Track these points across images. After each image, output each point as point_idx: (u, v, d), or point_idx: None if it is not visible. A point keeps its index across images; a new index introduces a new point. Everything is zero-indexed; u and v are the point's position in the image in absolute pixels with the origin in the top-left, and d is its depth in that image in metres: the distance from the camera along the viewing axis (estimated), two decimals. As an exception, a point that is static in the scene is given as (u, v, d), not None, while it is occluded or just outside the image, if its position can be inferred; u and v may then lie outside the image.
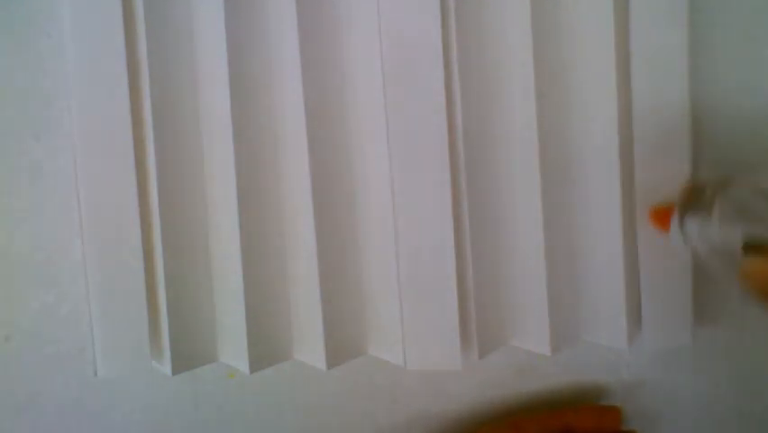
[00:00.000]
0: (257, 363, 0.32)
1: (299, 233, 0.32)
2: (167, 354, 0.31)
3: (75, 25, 0.30)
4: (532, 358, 0.34)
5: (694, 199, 0.28)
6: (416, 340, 0.31)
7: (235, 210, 0.31)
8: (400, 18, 0.30)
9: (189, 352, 0.32)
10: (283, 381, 0.35)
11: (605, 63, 0.31)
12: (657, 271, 0.32)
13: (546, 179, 0.31)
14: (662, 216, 0.30)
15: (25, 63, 0.33)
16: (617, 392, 0.36)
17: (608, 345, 0.33)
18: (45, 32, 0.33)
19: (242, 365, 0.32)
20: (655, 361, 0.35)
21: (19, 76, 0.33)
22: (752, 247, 0.25)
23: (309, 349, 0.32)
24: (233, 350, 0.32)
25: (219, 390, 0.35)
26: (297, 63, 0.30)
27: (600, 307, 0.32)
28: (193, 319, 0.32)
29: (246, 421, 0.36)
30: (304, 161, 0.31)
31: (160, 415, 0.35)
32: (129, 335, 0.31)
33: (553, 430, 0.33)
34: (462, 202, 0.31)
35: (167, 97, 0.31)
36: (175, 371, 0.31)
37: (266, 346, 0.32)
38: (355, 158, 0.32)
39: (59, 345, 0.34)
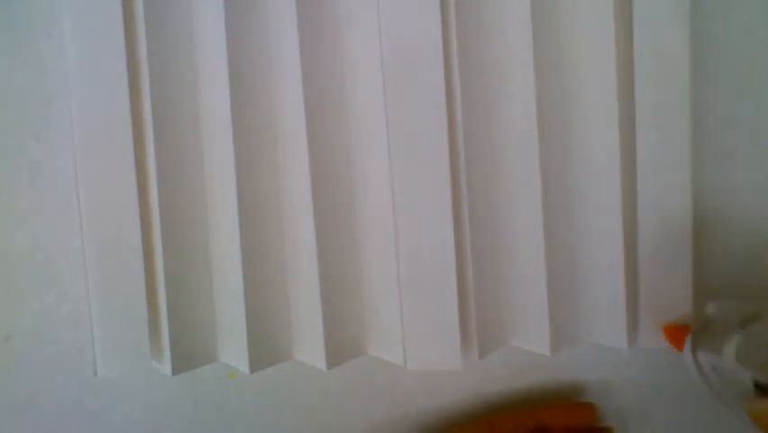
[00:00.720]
0: (257, 363, 0.32)
1: (299, 233, 0.32)
2: (167, 354, 0.31)
3: (75, 25, 0.30)
4: (532, 358, 0.34)
5: (709, 329, 0.28)
6: (416, 340, 0.31)
7: (235, 210, 0.31)
8: (400, 18, 0.30)
9: (189, 352, 0.32)
10: (283, 381, 0.35)
11: (606, 62, 0.31)
12: (657, 272, 0.32)
13: (546, 179, 0.31)
14: (675, 335, 0.30)
15: (25, 63, 0.33)
16: (616, 392, 0.36)
17: (608, 345, 0.33)
18: (45, 32, 0.33)
19: (242, 365, 0.32)
20: (655, 361, 0.35)
21: (19, 76, 0.33)
22: (763, 387, 0.25)
23: (309, 349, 0.32)
24: (233, 350, 0.32)
25: (219, 390, 0.35)
26: (296, 63, 0.30)
27: (600, 307, 0.32)
28: (193, 319, 0.32)
29: (246, 421, 0.36)
30: (304, 161, 0.31)
31: (159, 415, 0.35)
32: (129, 335, 0.31)
33: (526, 427, 0.33)
34: (462, 202, 0.31)
35: (167, 97, 0.31)
36: (175, 371, 0.31)
37: (266, 346, 0.32)
38: (355, 158, 0.32)
39: (59, 345, 0.34)
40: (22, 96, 0.33)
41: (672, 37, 0.31)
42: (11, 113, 0.33)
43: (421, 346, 0.31)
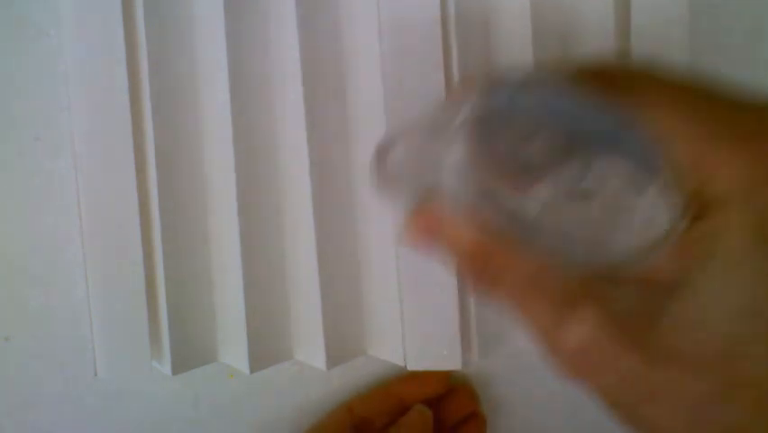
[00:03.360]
0: (257, 363, 0.32)
1: (299, 233, 0.32)
2: (167, 354, 0.31)
3: (74, 25, 0.30)
4: (531, 358, 0.34)
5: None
6: (416, 340, 0.31)
7: (235, 210, 0.31)
8: (400, 16, 0.30)
9: (189, 352, 0.32)
10: (283, 381, 0.35)
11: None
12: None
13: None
14: None
15: (25, 63, 0.33)
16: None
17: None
18: (45, 32, 0.33)
19: (242, 365, 0.32)
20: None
21: (19, 76, 0.33)
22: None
23: (309, 349, 0.32)
24: (233, 350, 0.32)
25: (219, 390, 0.35)
26: (296, 63, 0.30)
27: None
28: (193, 319, 0.32)
29: (246, 421, 0.36)
30: (304, 160, 0.31)
31: (159, 415, 0.35)
32: (129, 335, 0.31)
33: (384, 403, 0.34)
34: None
35: (167, 97, 0.31)
36: (175, 371, 0.31)
37: (266, 346, 0.32)
38: (355, 157, 0.32)
39: (59, 345, 0.34)
40: (22, 96, 0.33)
41: (669, 39, 0.31)
42: (11, 113, 0.33)
43: (421, 346, 0.31)
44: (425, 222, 0.20)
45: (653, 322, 0.17)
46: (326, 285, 0.31)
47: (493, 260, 0.19)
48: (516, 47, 0.31)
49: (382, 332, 0.33)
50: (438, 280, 0.31)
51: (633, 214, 0.17)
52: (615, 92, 0.17)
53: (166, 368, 0.32)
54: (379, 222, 0.32)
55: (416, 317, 0.31)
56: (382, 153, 0.23)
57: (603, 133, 0.17)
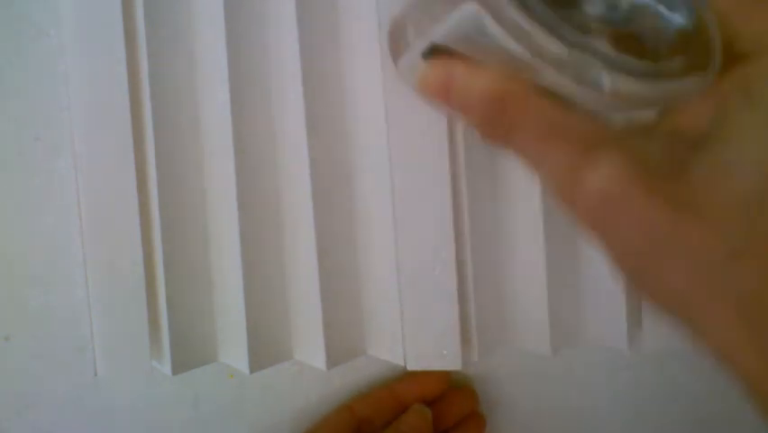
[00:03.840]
0: (257, 363, 0.32)
1: (299, 233, 0.32)
2: (167, 354, 0.31)
3: (74, 25, 0.30)
4: (532, 358, 0.34)
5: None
6: (416, 340, 0.31)
7: (235, 210, 0.31)
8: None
9: (189, 352, 0.32)
10: (283, 381, 0.35)
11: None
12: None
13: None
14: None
15: (25, 63, 0.33)
16: (615, 391, 0.36)
17: (608, 346, 0.33)
18: (45, 32, 0.33)
19: (242, 365, 0.32)
20: (656, 361, 0.35)
21: (19, 76, 0.33)
22: (435, 52, 0.20)
23: (309, 349, 0.32)
24: (233, 350, 0.32)
25: (219, 390, 0.35)
26: (296, 63, 0.30)
27: (600, 307, 0.32)
28: (193, 319, 0.32)
29: (246, 421, 0.36)
30: (304, 160, 0.31)
31: (159, 415, 0.35)
32: (129, 335, 0.31)
33: (384, 403, 0.34)
34: (462, 202, 0.31)
35: (167, 96, 0.31)
36: (175, 371, 0.31)
37: (266, 346, 0.32)
38: (356, 157, 0.32)
39: (59, 345, 0.34)
40: (22, 96, 0.33)
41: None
42: (11, 113, 0.33)
43: (421, 346, 0.31)
44: (438, 73, 0.20)
45: (680, 172, 0.16)
46: (326, 285, 0.31)
47: (509, 108, 0.18)
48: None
49: (382, 332, 0.33)
50: (438, 280, 0.31)
51: (667, 55, 0.17)
52: None
53: (166, 368, 0.32)
54: (380, 222, 0.32)
55: (415, 317, 0.31)
56: (397, 29, 0.22)
57: None
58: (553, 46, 0.17)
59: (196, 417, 0.35)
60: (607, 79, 0.17)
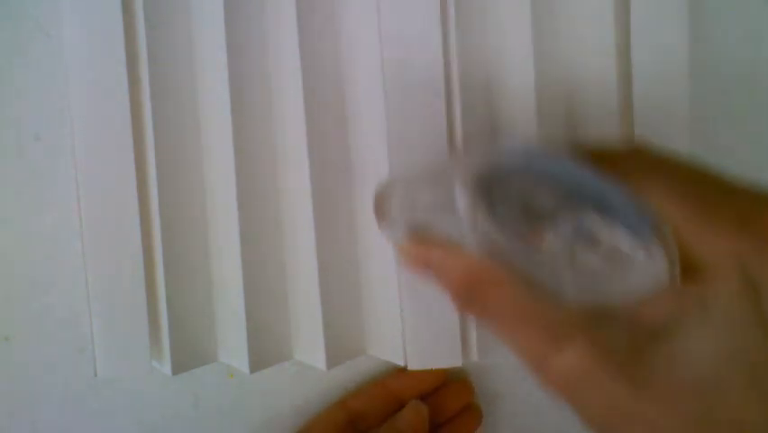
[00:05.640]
0: (257, 363, 0.32)
1: (299, 233, 0.32)
2: (167, 354, 0.31)
3: (75, 25, 0.30)
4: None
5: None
6: (416, 340, 0.31)
7: (235, 210, 0.31)
8: (400, 18, 0.30)
9: (189, 352, 0.32)
10: (283, 381, 0.35)
11: (606, 62, 0.31)
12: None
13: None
14: None
15: (25, 63, 0.33)
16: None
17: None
18: (45, 32, 0.33)
19: (242, 365, 0.32)
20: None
21: (19, 76, 0.33)
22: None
23: (309, 349, 0.32)
24: (233, 350, 0.32)
25: (219, 390, 0.35)
26: (296, 63, 0.30)
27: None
28: (193, 319, 0.32)
29: (246, 421, 0.36)
30: (304, 160, 0.31)
31: (159, 415, 0.35)
32: (129, 335, 0.31)
33: (378, 398, 0.34)
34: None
35: (167, 97, 0.31)
36: (175, 371, 0.31)
37: (266, 346, 0.32)
38: (355, 157, 0.32)
39: (59, 345, 0.34)
40: (22, 96, 0.33)
41: (670, 34, 0.31)
42: (11, 113, 0.33)
43: (421, 346, 0.31)
44: (419, 251, 0.21)
45: (641, 358, 0.18)
46: (326, 285, 0.31)
47: (482, 293, 0.20)
48: (515, 47, 0.31)
49: (382, 332, 0.33)
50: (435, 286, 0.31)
51: (627, 267, 0.19)
52: (613, 170, 0.19)
53: (166, 368, 0.32)
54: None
55: (416, 317, 0.31)
56: (382, 197, 0.24)
57: (600, 195, 0.19)
58: (522, 254, 0.19)
59: (196, 417, 0.35)
60: (571, 285, 0.19)
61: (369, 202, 0.32)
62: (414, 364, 0.31)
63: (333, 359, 0.32)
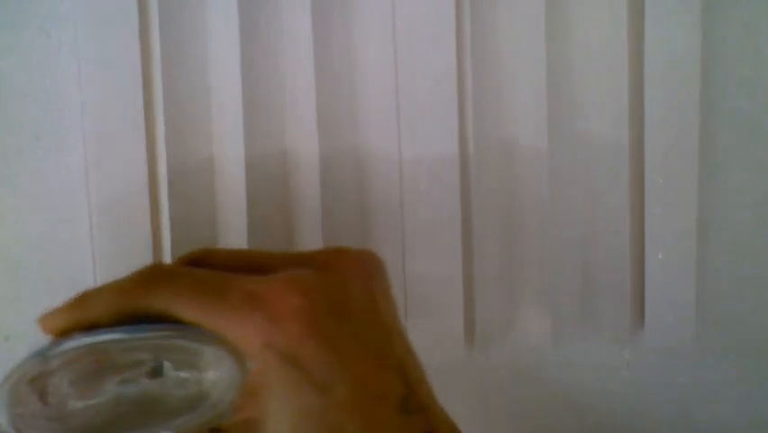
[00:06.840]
0: (257, 362, 0.32)
1: (302, 232, 0.32)
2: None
3: (88, 23, 0.30)
4: (531, 355, 0.34)
5: None
6: (416, 339, 0.31)
7: (244, 210, 0.31)
8: (413, 10, 0.30)
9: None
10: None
11: (617, 58, 0.31)
12: (661, 269, 0.32)
13: (553, 175, 0.31)
14: None
15: (25, 63, 0.33)
16: (618, 391, 0.36)
17: (608, 345, 0.33)
18: (45, 32, 0.33)
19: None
20: (657, 360, 0.35)
21: (19, 76, 0.33)
22: None
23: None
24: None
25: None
26: (310, 70, 0.30)
27: (602, 305, 0.32)
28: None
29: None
30: (314, 153, 0.31)
31: (160, 415, 0.35)
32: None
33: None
34: (470, 195, 0.31)
35: (179, 96, 0.31)
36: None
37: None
38: (362, 153, 0.32)
39: (59, 345, 0.34)
40: (23, 96, 0.33)
41: (682, 36, 0.30)
42: (11, 113, 0.33)
43: (421, 345, 0.31)
44: None
45: None
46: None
47: None
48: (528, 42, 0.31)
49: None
50: (441, 275, 0.31)
51: (192, 389, 0.22)
52: (148, 296, 0.22)
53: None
54: (384, 219, 0.32)
55: (416, 316, 0.31)
56: None
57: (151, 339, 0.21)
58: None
59: (196, 417, 0.35)
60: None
61: (373, 200, 0.32)
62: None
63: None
